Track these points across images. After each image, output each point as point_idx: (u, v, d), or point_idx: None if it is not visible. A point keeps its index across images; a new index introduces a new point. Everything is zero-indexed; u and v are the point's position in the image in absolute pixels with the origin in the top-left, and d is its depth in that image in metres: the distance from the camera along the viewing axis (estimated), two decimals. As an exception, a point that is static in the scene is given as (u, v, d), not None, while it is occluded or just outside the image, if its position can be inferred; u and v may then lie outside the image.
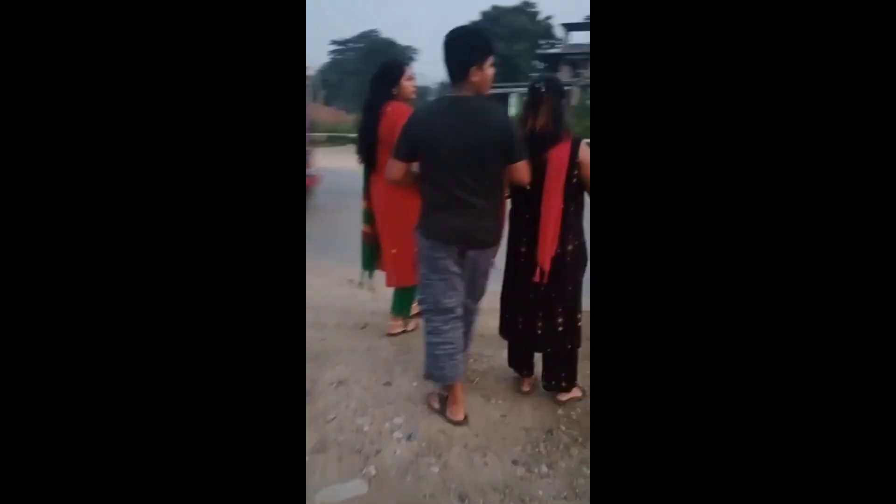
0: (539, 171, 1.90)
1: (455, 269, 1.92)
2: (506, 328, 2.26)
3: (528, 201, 1.95)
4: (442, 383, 2.12)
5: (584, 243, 2.04)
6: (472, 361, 2.61)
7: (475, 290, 2.06)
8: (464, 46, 1.82)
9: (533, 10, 35.58)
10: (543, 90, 1.88)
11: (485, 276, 2.04)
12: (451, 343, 2.00)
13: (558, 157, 1.86)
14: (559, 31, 34.93)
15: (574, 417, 2.15)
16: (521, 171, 1.84)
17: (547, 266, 1.95)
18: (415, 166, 1.89)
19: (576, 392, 2.25)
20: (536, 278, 1.99)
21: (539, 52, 34.08)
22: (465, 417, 2.10)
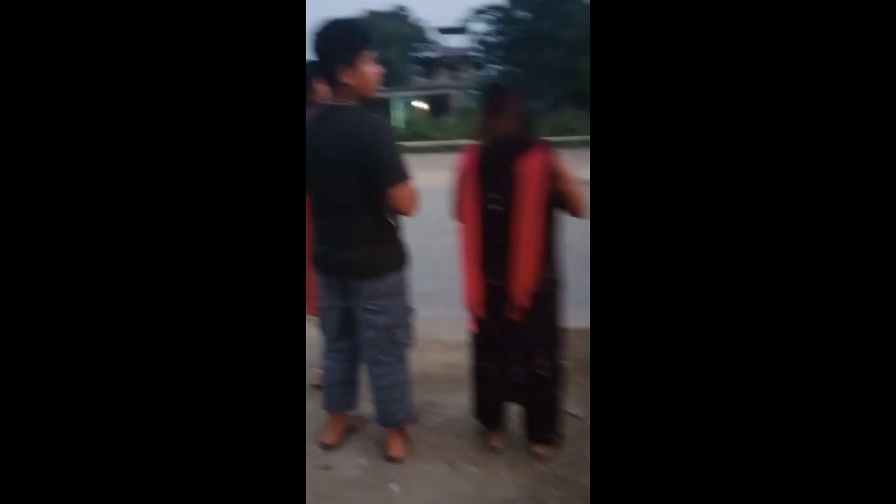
0: (507, 188, 1.52)
1: (336, 301, 1.73)
2: (475, 373, 1.86)
3: (497, 224, 1.57)
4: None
5: (562, 269, 1.70)
6: (423, 415, 2.17)
7: (376, 332, 1.71)
8: (327, 44, 1.47)
9: (405, 13, 35.64)
10: (506, 89, 1.50)
11: (383, 313, 1.68)
12: (329, 371, 1.89)
13: (531, 168, 1.49)
14: (433, 35, 35.41)
15: (560, 473, 1.81)
16: (399, 197, 1.50)
17: (525, 302, 1.58)
18: None
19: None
20: (515, 316, 1.61)
21: (415, 55, 34.22)
22: (333, 443, 1.97)
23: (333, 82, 1.50)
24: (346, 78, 1.48)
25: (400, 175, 1.50)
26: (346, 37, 1.49)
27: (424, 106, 25.55)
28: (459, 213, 1.67)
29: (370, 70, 1.52)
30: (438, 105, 25.97)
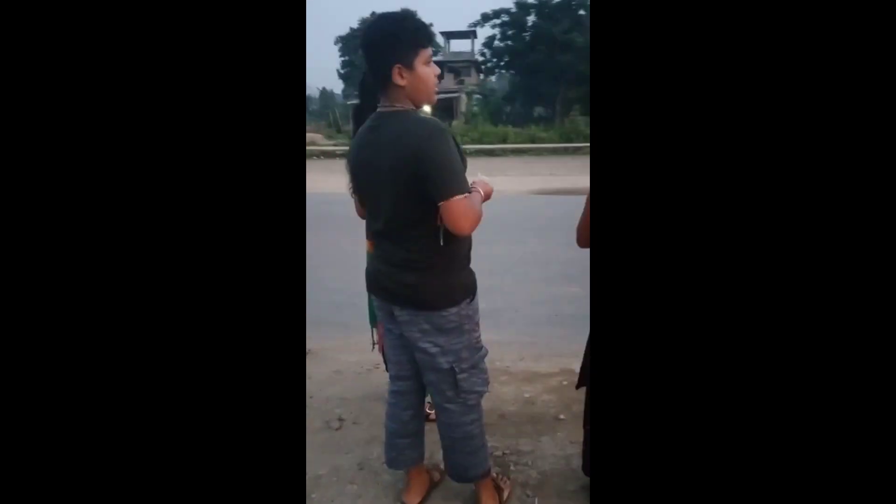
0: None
1: (391, 326, 1.49)
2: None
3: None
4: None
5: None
6: (512, 467, 1.86)
7: (437, 375, 1.43)
8: (381, 40, 1.23)
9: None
10: None
11: (445, 354, 1.39)
12: (390, 419, 1.62)
13: None
14: (439, 39, 35.23)
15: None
16: (448, 212, 1.21)
17: None
18: None
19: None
20: None
21: (422, 59, 33.96)
22: (421, 501, 1.68)
23: (385, 84, 1.26)
24: (400, 79, 1.24)
25: (453, 188, 1.20)
26: (402, 32, 1.23)
27: (427, 110, 25.28)
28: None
29: (427, 72, 1.27)
30: (444, 109, 25.74)
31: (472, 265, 1.43)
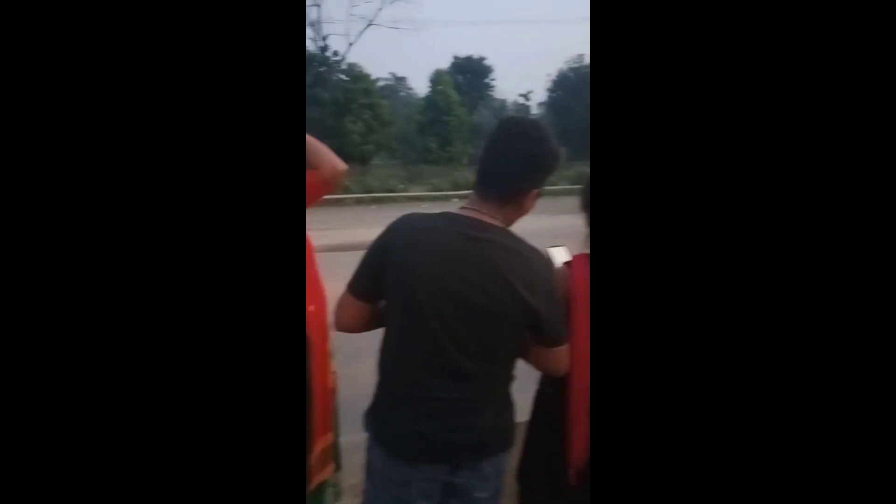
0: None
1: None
2: None
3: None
4: None
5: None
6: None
7: None
8: (548, 158, 1.15)
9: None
10: None
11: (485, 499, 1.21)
12: None
13: None
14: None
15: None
16: (557, 359, 1.19)
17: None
18: (378, 308, 1.21)
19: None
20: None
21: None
22: None
23: (511, 199, 1.15)
24: (527, 202, 1.17)
25: (566, 332, 1.17)
26: (557, 158, 1.19)
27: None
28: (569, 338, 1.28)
29: (533, 204, 1.20)
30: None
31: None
